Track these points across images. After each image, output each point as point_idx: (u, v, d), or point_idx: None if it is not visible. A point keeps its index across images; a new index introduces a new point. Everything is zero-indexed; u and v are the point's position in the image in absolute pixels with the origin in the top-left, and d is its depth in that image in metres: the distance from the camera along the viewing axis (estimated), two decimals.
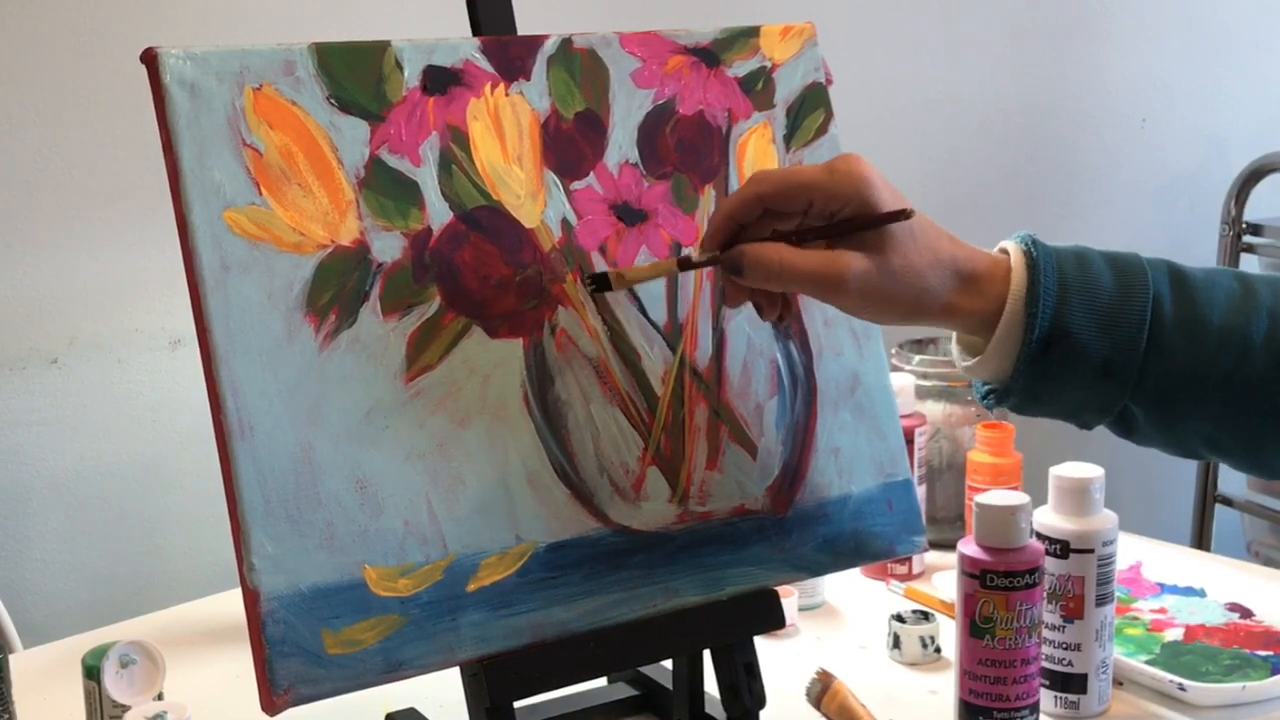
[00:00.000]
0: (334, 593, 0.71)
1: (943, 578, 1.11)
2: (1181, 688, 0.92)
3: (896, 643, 1.00)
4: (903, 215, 0.74)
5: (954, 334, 0.80)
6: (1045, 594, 0.87)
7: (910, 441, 1.10)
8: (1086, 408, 0.78)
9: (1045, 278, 0.75)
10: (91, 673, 0.84)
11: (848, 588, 1.12)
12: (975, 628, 0.84)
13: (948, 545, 1.06)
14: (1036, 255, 0.76)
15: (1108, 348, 0.75)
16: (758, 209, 0.75)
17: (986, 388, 0.79)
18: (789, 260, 0.73)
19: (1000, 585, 0.83)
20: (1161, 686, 0.93)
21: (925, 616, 1.02)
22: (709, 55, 0.87)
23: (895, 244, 0.74)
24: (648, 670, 0.91)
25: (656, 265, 0.81)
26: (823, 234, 0.75)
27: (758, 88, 0.88)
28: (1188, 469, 1.95)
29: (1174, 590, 1.10)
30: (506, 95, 0.81)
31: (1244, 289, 0.77)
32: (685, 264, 0.78)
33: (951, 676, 0.88)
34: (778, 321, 0.80)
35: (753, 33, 0.89)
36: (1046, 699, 0.89)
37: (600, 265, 0.81)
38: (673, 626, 0.80)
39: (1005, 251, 0.78)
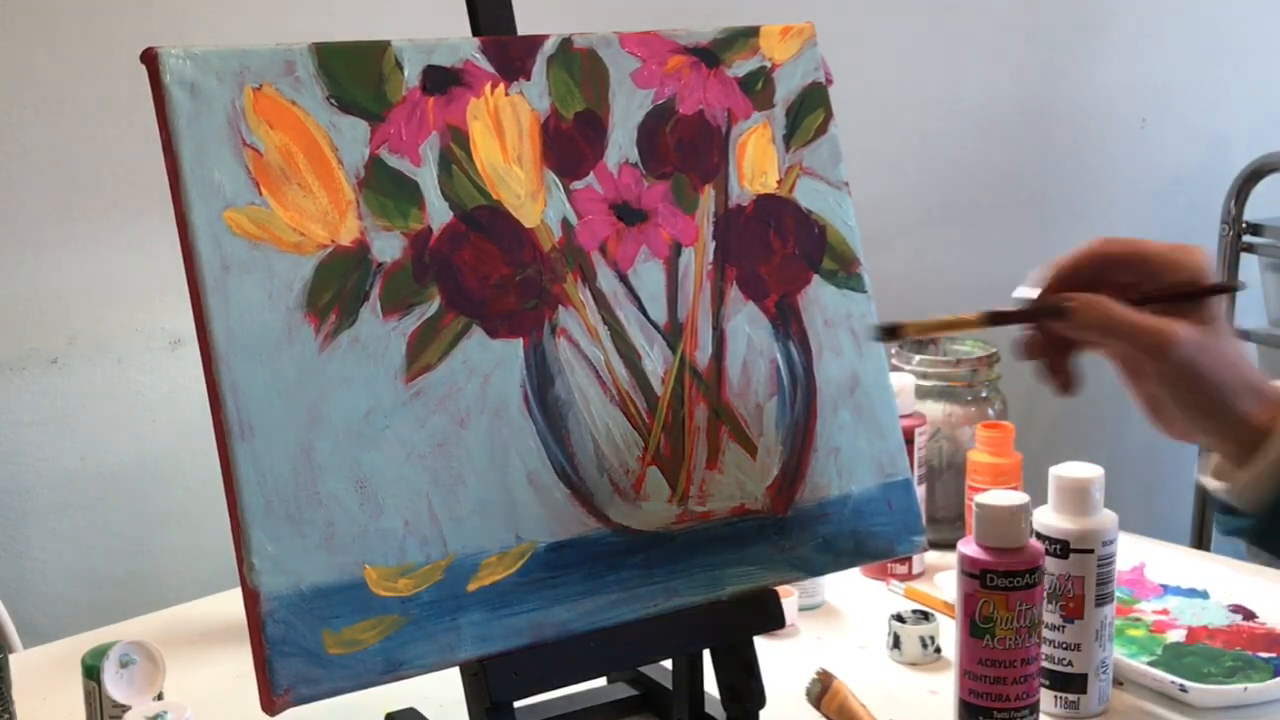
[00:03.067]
0: (334, 592, 0.71)
1: (943, 578, 1.11)
2: (1183, 689, 0.92)
3: (896, 643, 1.00)
4: (1238, 286, 0.77)
5: (1203, 449, 0.78)
6: (1045, 594, 0.87)
7: (910, 441, 1.10)
8: None
9: None
10: (91, 673, 0.84)
11: (848, 588, 1.12)
12: (975, 628, 0.84)
13: (948, 545, 1.06)
14: None
15: None
16: (1099, 266, 0.75)
17: (1239, 522, 0.76)
18: (1122, 312, 0.73)
19: (1000, 585, 0.83)
20: (1162, 687, 0.93)
21: (925, 616, 1.02)
22: (709, 55, 0.87)
23: (1218, 328, 0.74)
24: (648, 670, 0.91)
25: (960, 318, 0.76)
26: (1149, 299, 0.75)
27: (757, 88, 0.88)
28: (1187, 469, 1.95)
29: (1177, 592, 1.10)
30: (506, 95, 0.81)
31: None
32: (996, 318, 0.75)
33: (951, 676, 0.88)
34: (1062, 391, 0.78)
35: (752, 33, 0.89)
36: (1046, 699, 0.89)
37: (600, 265, 0.81)
38: (673, 626, 0.80)
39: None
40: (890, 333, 0.77)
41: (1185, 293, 0.75)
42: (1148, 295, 0.75)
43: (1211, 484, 0.77)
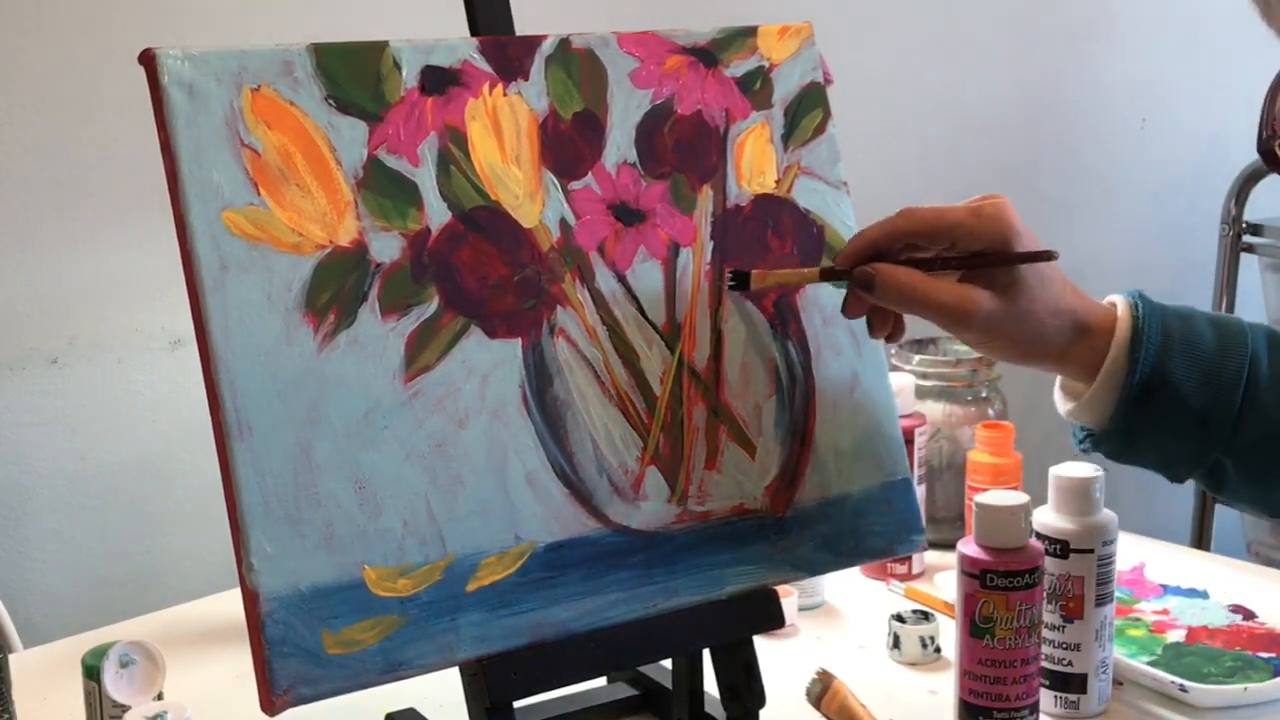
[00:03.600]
0: (333, 593, 0.71)
1: (943, 578, 1.11)
2: (1183, 689, 0.92)
3: (896, 643, 1.00)
4: (1047, 256, 0.78)
5: (1057, 379, 0.84)
6: (1045, 594, 0.87)
7: (910, 441, 1.10)
8: (1180, 458, 0.81)
9: (1149, 328, 0.79)
10: (91, 673, 0.84)
11: (848, 588, 1.12)
12: (975, 628, 0.84)
13: (948, 545, 1.06)
14: (1141, 308, 0.80)
15: (1206, 400, 0.79)
16: (901, 242, 0.78)
17: (1084, 433, 0.83)
18: (921, 287, 0.77)
19: (1000, 585, 0.83)
20: (1162, 687, 0.93)
21: (925, 616, 1.01)
22: (707, 55, 0.87)
23: (1025, 288, 0.78)
24: (647, 670, 0.91)
25: (799, 271, 0.84)
26: (961, 264, 0.79)
27: (755, 87, 0.88)
28: None
29: (1177, 592, 1.10)
30: (505, 95, 0.81)
31: None
32: (827, 273, 0.81)
33: (951, 676, 0.88)
34: (886, 339, 0.83)
35: (750, 32, 0.89)
36: (1046, 699, 0.89)
37: (599, 265, 0.81)
38: (672, 626, 0.80)
39: (1114, 304, 0.82)
40: (742, 280, 0.81)
41: (981, 264, 0.78)
42: (947, 262, 0.79)
43: (1061, 405, 0.84)
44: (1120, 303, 0.81)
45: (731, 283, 0.82)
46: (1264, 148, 0.75)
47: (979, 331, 0.78)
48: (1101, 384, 0.80)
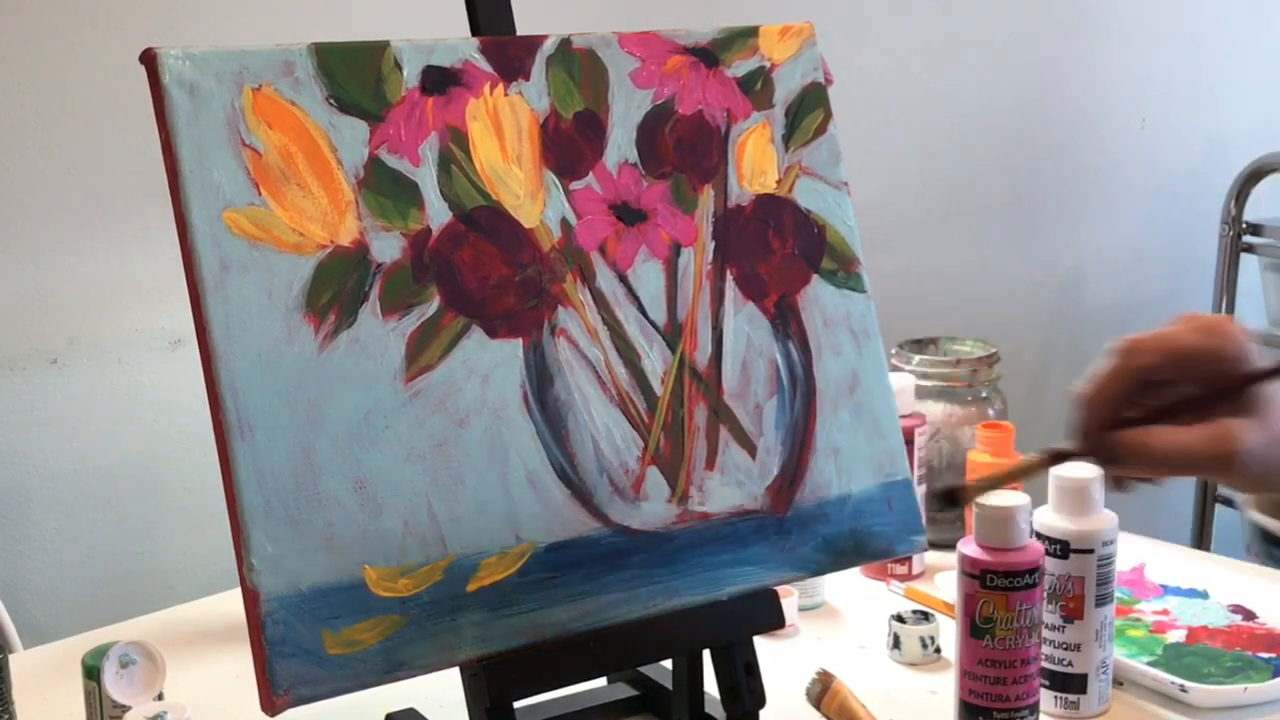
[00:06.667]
0: (334, 593, 0.71)
1: (943, 578, 1.11)
2: (1183, 689, 0.92)
3: (896, 643, 1.00)
4: None
5: (1248, 497, 0.76)
6: (1045, 594, 0.87)
7: (910, 441, 1.10)
8: None
9: None
10: (91, 673, 0.84)
11: (848, 588, 1.12)
12: (975, 628, 0.84)
13: (948, 545, 1.06)
14: None
15: None
16: (1137, 382, 0.68)
17: None
18: (1173, 443, 0.66)
19: (1000, 585, 0.83)
20: (1162, 688, 0.93)
21: (925, 616, 1.02)
22: (708, 55, 0.87)
23: (1273, 404, 0.67)
24: (648, 670, 0.91)
25: (1020, 464, 0.73)
26: (1198, 405, 0.68)
27: (756, 88, 0.88)
28: None
29: (1177, 592, 1.10)
30: (505, 95, 0.81)
31: None
32: (1059, 457, 0.70)
33: (951, 676, 0.88)
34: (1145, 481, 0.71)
35: (752, 33, 0.89)
36: (1046, 699, 0.89)
37: (600, 265, 0.81)
38: (673, 626, 0.80)
39: None
40: (951, 500, 0.74)
41: (1222, 395, 0.67)
42: (1181, 405, 0.68)
43: (1270, 522, 0.73)
44: None
45: (944, 504, 0.73)
46: None
47: (1250, 469, 0.67)
48: None
